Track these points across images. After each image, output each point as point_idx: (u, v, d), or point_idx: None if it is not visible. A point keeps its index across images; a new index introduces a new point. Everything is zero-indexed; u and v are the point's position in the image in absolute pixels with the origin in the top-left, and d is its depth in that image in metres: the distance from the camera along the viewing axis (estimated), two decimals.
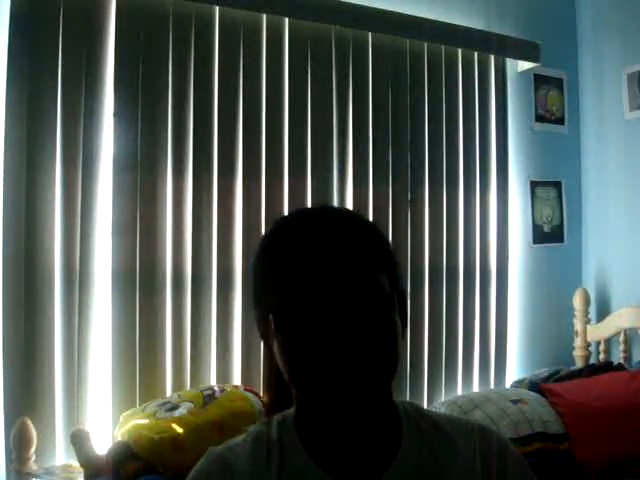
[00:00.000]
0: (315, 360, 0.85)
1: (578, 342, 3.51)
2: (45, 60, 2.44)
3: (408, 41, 3.22)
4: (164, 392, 2.60)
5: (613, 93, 3.58)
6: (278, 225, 0.98)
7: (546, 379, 3.12)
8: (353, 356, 0.84)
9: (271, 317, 0.89)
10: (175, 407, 2.35)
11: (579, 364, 3.43)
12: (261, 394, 2.53)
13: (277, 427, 0.96)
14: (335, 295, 0.85)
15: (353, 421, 0.90)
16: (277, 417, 0.98)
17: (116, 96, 2.57)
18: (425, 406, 3.16)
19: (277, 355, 0.90)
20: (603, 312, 3.57)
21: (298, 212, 1.00)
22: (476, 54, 3.42)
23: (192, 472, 0.96)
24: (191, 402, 2.37)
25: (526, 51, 3.51)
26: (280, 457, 0.93)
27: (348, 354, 0.84)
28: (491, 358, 3.42)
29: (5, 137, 2.38)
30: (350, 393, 0.85)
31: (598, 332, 3.47)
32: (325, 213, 0.98)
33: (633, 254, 3.48)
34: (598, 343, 3.50)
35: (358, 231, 0.94)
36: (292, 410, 0.97)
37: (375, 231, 0.97)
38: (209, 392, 2.44)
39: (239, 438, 0.98)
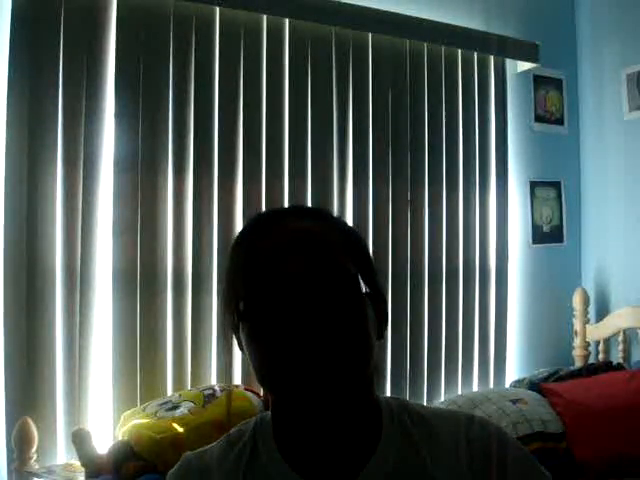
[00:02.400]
0: (278, 352, 0.82)
1: (577, 342, 3.51)
2: (46, 60, 2.45)
3: (408, 42, 3.23)
4: (165, 392, 2.60)
5: (612, 94, 3.58)
6: (246, 224, 0.96)
7: (546, 379, 3.12)
8: (317, 345, 0.80)
9: (236, 313, 0.87)
10: (176, 407, 2.35)
11: (578, 364, 3.44)
12: (261, 393, 2.54)
13: (253, 427, 0.95)
14: (291, 278, 0.83)
15: (324, 417, 0.86)
16: (257, 417, 0.97)
17: (117, 96, 2.58)
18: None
19: (246, 352, 0.88)
20: (602, 312, 3.58)
21: (267, 210, 1.00)
22: (476, 55, 3.43)
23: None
24: (192, 402, 2.38)
25: (525, 52, 3.52)
26: (250, 458, 0.91)
27: (311, 343, 0.80)
28: (491, 358, 3.42)
29: (6, 137, 2.39)
30: (317, 385, 0.81)
31: (597, 332, 3.48)
32: (295, 209, 0.98)
33: (632, 254, 3.49)
34: (597, 343, 3.51)
35: (326, 222, 0.93)
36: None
37: (345, 225, 0.96)
38: (210, 392, 2.45)
39: (219, 439, 0.98)
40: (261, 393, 2.53)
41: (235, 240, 0.94)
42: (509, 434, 0.99)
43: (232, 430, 0.98)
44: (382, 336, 0.92)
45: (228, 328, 0.91)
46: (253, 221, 0.94)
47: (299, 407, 0.86)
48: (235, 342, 0.92)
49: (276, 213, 0.95)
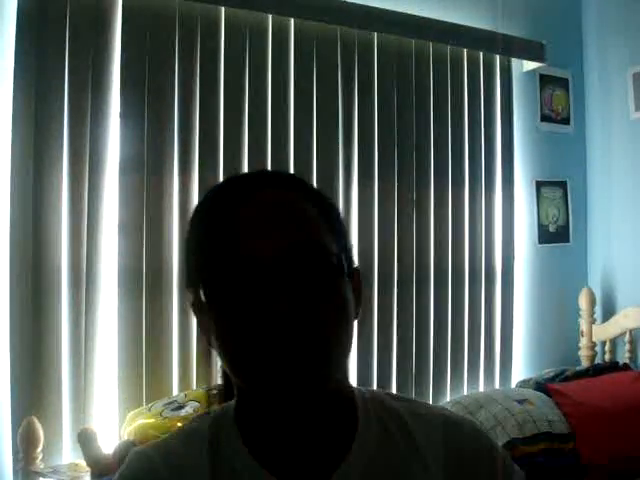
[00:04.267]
0: (246, 340, 0.75)
1: (583, 342, 3.50)
2: (52, 60, 2.45)
3: (413, 41, 3.22)
4: (170, 391, 2.60)
5: (619, 93, 3.57)
6: (211, 188, 0.86)
7: (552, 379, 3.12)
8: (289, 334, 0.73)
9: (200, 291, 0.78)
10: (181, 406, 2.35)
11: (584, 364, 3.43)
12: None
13: (213, 422, 0.86)
14: (268, 258, 0.74)
15: (298, 413, 0.79)
16: (216, 410, 0.89)
17: (122, 96, 2.58)
18: None
19: (212, 337, 0.80)
20: (608, 312, 3.57)
21: (230, 176, 0.88)
22: (481, 54, 3.42)
23: (116, 476, 0.85)
24: (197, 401, 2.38)
25: (531, 51, 3.51)
26: (214, 456, 0.82)
27: (282, 331, 0.73)
28: (496, 358, 3.42)
29: (12, 138, 2.39)
30: (287, 379, 0.74)
31: (604, 332, 3.47)
32: (266, 176, 0.86)
33: (639, 254, 3.47)
34: (604, 343, 3.50)
35: (303, 192, 0.83)
36: (233, 402, 0.88)
37: (323, 196, 0.86)
38: (215, 391, 2.44)
39: (168, 436, 0.89)
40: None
41: (198, 208, 0.85)
42: (483, 431, 0.94)
43: (186, 425, 0.90)
44: (357, 315, 0.83)
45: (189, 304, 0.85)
46: (220, 188, 0.84)
47: (274, 400, 0.79)
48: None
49: (245, 180, 0.85)
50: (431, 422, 0.89)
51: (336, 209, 0.87)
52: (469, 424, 0.92)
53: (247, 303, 0.74)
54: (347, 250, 0.83)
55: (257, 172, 0.88)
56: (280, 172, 0.89)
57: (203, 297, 0.78)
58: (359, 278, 0.85)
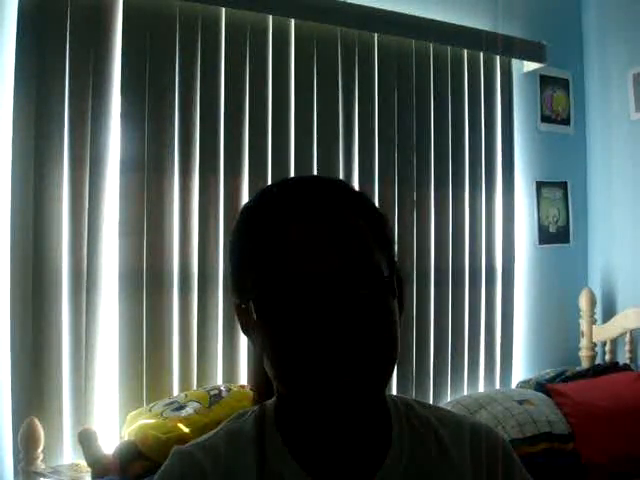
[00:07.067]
0: (301, 355, 0.77)
1: (584, 342, 3.50)
2: (52, 60, 2.45)
3: (414, 42, 3.22)
4: (171, 392, 2.61)
5: (619, 93, 3.57)
6: (260, 195, 0.86)
7: (552, 379, 3.12)
8: (346, 351, 0.76)
9: (251, 304, 0.80)
10: (182, 407, 2.35)
11: (585, 364, 3.43)
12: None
13: (254, 423, 0.88)
14: (325, 278, 0.76)
15: (343, 421, 0.81)
16: (254, 411, 0.90)
17: (123, 96, 2.58)
18: None
19: (259, 346, 0.82)
20: (609, 312, 3.57)
21: (284, 180, 0.89)
22: (482, 55, 3.42)
23: (158, 474, 0.86)
24: (198, 402, 2.38)
25: (532, 52, 3.51)
26: (259, 457, 0.84)
27: (340, 348, 0.76)
28: (497, 358, 3.42)
29: (13, 137, 2.39)
30: (342, 393, 0.77)
31: (604, 332, 3.47)
32: (315, 182, 0.87)
33: (639, 254, 3.47)
34: (604, 343, 3.50)
35: (353, 205, 0.84)
36: (272, 403, 0.90)
37: (372, 207, 0.87)
38: (216, 392, 2.45)
39: (209, 435, 0.90)
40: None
41: (248, 215, 0.86)
42: (501, 435, 0.99)
43: (228, 425, 0.90)
44: (401, 323, 0.87)
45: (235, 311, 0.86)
46: (273, 197, 0.84)
47: (314, 407, 0.81)
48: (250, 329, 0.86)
49: (298, 191, 0.84)
50: (458, 428, 0.93)
51: (383, 218, 0.88)
52: (490, 429, 0.97)
53: (303, 319, 0.76)
54: (393, 261, 0.86)
55: (309, 181, 0.88)
56: (331, 182, 0.88)
57: (254, 310, 0.80)
58: (401, 287, 0.87)
